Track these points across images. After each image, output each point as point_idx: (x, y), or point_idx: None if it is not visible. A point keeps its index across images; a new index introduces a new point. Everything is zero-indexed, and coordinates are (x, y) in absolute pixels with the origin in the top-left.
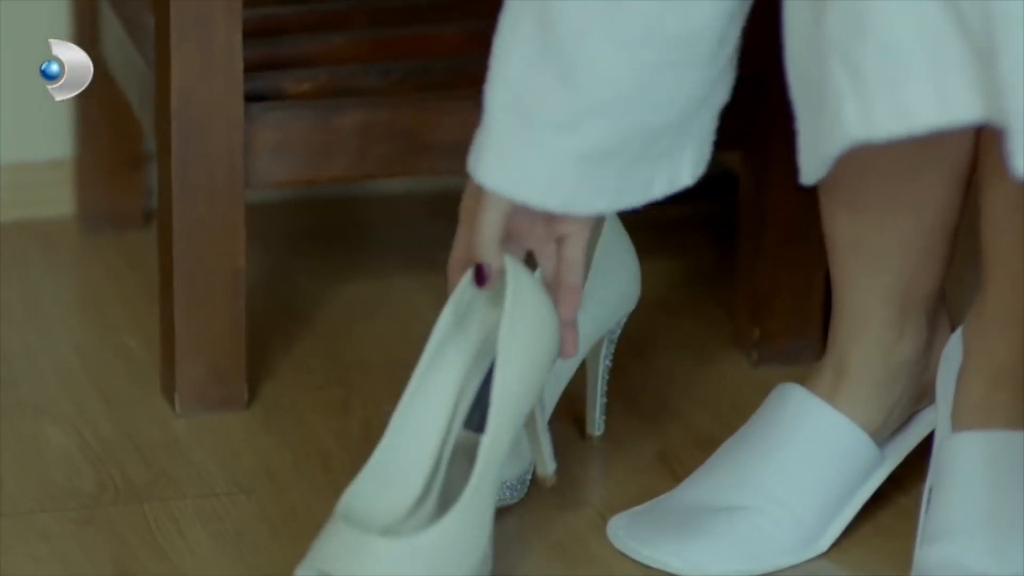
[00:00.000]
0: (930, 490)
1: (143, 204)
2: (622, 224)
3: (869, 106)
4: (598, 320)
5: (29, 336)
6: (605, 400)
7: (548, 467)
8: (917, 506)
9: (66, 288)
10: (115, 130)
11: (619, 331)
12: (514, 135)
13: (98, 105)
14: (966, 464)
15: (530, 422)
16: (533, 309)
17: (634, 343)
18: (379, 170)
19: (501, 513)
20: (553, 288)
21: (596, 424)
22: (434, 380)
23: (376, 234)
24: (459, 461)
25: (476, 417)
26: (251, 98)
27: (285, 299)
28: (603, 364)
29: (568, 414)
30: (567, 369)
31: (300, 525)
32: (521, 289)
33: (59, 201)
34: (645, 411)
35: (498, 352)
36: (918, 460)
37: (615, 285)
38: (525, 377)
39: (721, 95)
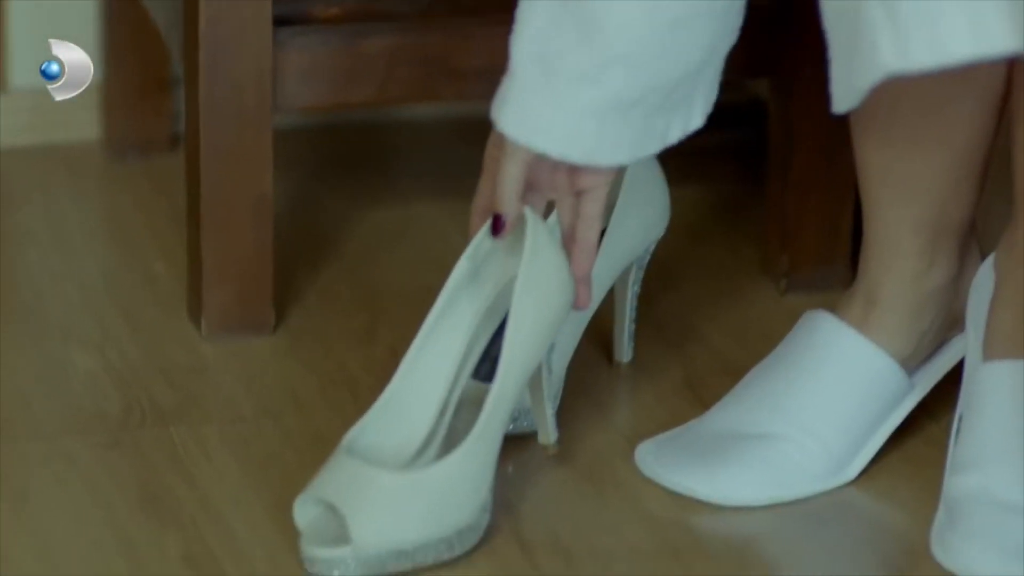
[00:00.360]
0: (960, 418)
1: (170, 129)
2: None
3: (904, 38)
4: (626, 247)
5: (55, 261)
6: (634, 327)
7: (551, 436)
8: (947, 434)
9: (92, 213)
10: (142, 54)
11: (648, 258)
12: (537, 87)
13: (125, 29)
14: (997, 393)
15: (535, 388)
16: (550, 265)
17: (662, 270)
18: (406, 95)
19: (528, 439)
20: (569, 242)
21: (624, 351)
22: (445, 328)
23: (403, 160)
24: (465, 410)
25: (485, 369)
26: (279, 22)
27: (312, 224)
28: (632, 291)
29: (596, 340)
30: (577, 327)
31: (326, 450)
32: (539, 244)
33: (85, 125)
34: (672, 338)
35: (512, 303)
36: (948, 388)
37: (644, 212)
38: (537, 330)
39: (732, 39)
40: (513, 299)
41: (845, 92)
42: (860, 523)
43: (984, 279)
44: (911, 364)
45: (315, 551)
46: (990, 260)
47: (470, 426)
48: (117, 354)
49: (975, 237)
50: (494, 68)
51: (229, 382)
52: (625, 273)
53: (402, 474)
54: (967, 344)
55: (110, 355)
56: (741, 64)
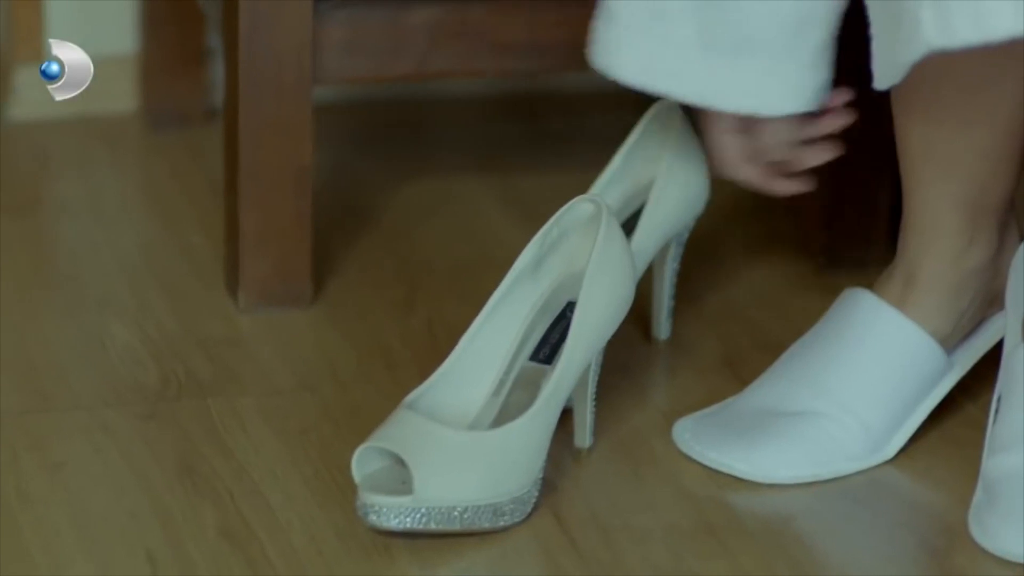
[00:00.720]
0: (999, 399)
1: (206, 100)
2: (692, 128)
3: (947, 14)
4: (666, 224)
5: (93, 232)
6: (672, 304)
7: (587, 439)
8: (985, 415)
9: (130, 184)
10: (179, 25)
11: (687, 235)
12: (642, 27)
13: (163, 0)
14: None
15: (581, 387)
16: (618, 256)
17: (701, 247)
18: (447, 69)
19: (565, 415)
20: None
21: (662, 328)
22: (507, 308)
23: (442, 135)
24: (520, 391)
25: (543, 352)
26: None
27: (350, 198)
28: (670, 268)
29: (634, 317)
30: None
31: (363, 422)
32: (611, 235)
33: (123, 97)
34: (711, 315)
35: (583, 288)
36: (987, 368)
37: (685, 190)
38: (604, 316)
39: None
40: (583, 284)
41: (887, 68)
42: (898, 503)
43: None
44: (950, 343)
45: (376, 498)
46: None
47: (523, 406)
48: (154, 325)
49: (1014, 216)
50: (536, 43)
51: (266, 354)
52: (664, 250)
53: (467, 433)
54: (1006, 324)
55: (147, 326)
56: None
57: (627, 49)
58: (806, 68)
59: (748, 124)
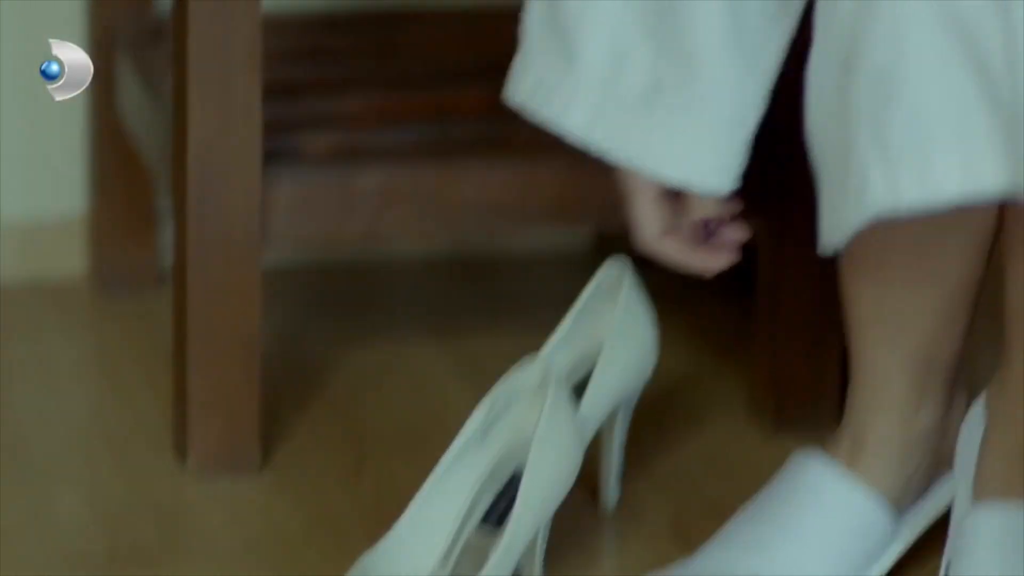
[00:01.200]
0: (948, 564)
1: (158, 263)
2: (642, 292)
3: (895, 176)
4: (614, 390)
5: (41, 397)
6: (621, 469)
7: None
8: None
9: (79, 348)
10: (129, 187)
11: (636, 399)
12: (597, 79)
13: (112, 162)
14: (985, 537)
15: (528, 557)
16: (564, 425)
17: (650, 410)
18: (398, 231)
19: None
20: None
21: (611, 493)
22: (455, 476)
23: (392, 299)
24: (468, 559)
25: (491, 519)
26: (269, 157)
27: (300, 363)
28: (619, 434)
29: (582, 482)
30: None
31: None
32: (557, 404)
33: (72, 259)
34: (659, 479)
35: (530, 457)
36: (934, 532)
37: (633, 355)
38: (551, 486)
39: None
40: (530, 455)
41: (835, 229)
42: None
43: (975, 420)
44: (900, 505)
45: None
46: (982, 400)
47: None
48: (102, 493)
49: (963, 376)
50: (487, 204)
51: (214, 520)
52: (612, 416)
53: None
54: (956, 487)
55: (95, 494)
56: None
57: (580, 101)
58: (740, 145)
59: (672, 196)
